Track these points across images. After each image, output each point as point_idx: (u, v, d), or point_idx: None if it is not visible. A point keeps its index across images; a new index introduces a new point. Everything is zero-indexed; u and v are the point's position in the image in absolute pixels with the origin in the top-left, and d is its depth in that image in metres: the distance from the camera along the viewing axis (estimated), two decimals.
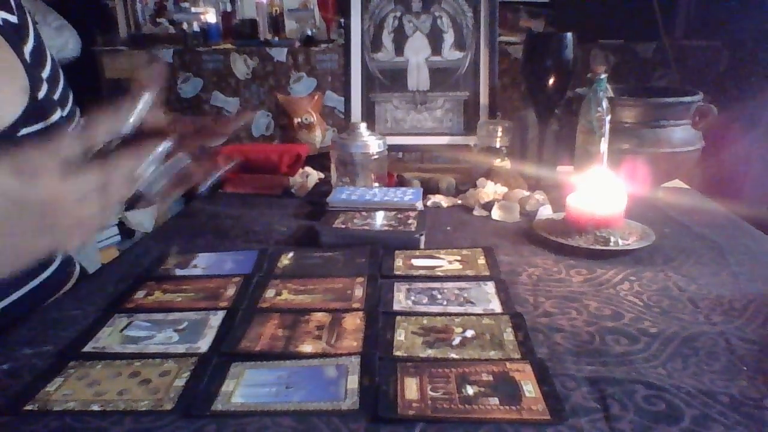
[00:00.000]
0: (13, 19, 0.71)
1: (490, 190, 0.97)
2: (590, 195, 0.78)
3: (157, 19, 2.88)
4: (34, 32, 0.74)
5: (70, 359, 0.53)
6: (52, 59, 0.77)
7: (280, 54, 2.50)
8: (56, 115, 0.70)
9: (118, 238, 2.44)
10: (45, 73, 0.73)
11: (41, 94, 0.68)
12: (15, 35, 0.70)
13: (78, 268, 0.81)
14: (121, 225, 2.41)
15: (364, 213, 0.86)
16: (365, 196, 0.91)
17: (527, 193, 0.94)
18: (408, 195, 0.91)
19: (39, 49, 0.74)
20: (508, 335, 0.55)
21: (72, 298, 0.66)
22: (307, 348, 0.54)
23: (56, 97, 0.74)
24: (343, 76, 1.17)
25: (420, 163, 1.23)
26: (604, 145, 0.87)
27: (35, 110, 0.66)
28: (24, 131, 0.64)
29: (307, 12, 2.72)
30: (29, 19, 0.74)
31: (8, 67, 0.67)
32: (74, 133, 0.54)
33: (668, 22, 2.40)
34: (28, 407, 0.46)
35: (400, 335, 0.56)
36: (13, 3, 0.72)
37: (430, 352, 0.53)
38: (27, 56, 0.70)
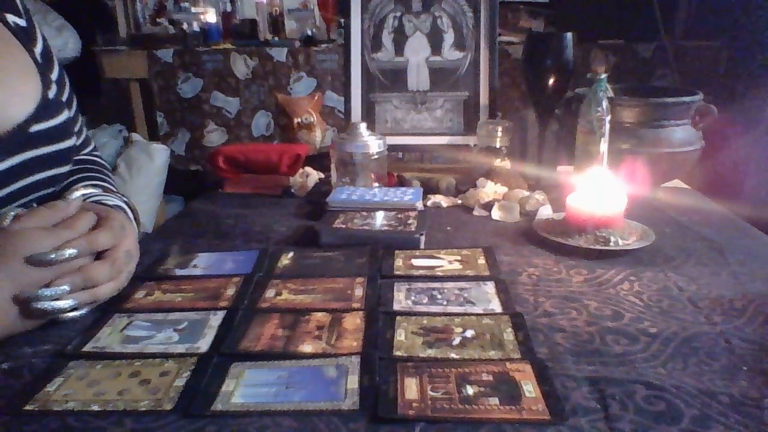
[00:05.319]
0: (23, 22, 0.74)
1: (490, 190, 0.97)
2: (590, 195, 0.78)
3: (157, 19, 2.88)
4: (41, 36, 0.76)
5: (70, 359, 0.53)
6: (58, 63, 0.78)
7: (280, 54, 2.50)
8: (64, 115, 0.71)
9: None
10: (54, 75, 0.75)
11: (51, 94, 0.71)
12: (26, 38, 0.72)
13: None
14: None
15: (364, 213, 0.86)
16: (365, 196, 0.91)
17: (527, 193, 0.94)
18: (408, 195, 0.91)
19: (48, 52, 0.76)
20: (508, 335, 0.55)
21: None
22: (307, 348, 0.54)
23: (64, 98, 0.76)
24: (343, 76, 1.17)
25: (420, 163, 1.23)
26: (604, 145, 0.87)
27: (46, 108, 0.68)
28: (35, 128, 0.66)
29: (307, 12, 2.72)
30: (35, 23, 0.76)
31: (22, 66, 0.69)
32: None
33: (668, 22, 2.40)
34: (28, 407, 0.46)
35: (400, 335, 0.56)
36: (21, 8, 0.74)
37: (430, 352, 0.53)
38: (38, 57, 0.72)
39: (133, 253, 0.65)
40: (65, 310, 0.57)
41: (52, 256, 0.55)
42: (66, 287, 0.56)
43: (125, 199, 0.75)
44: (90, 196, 0.70)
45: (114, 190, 0.77)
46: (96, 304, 0.61)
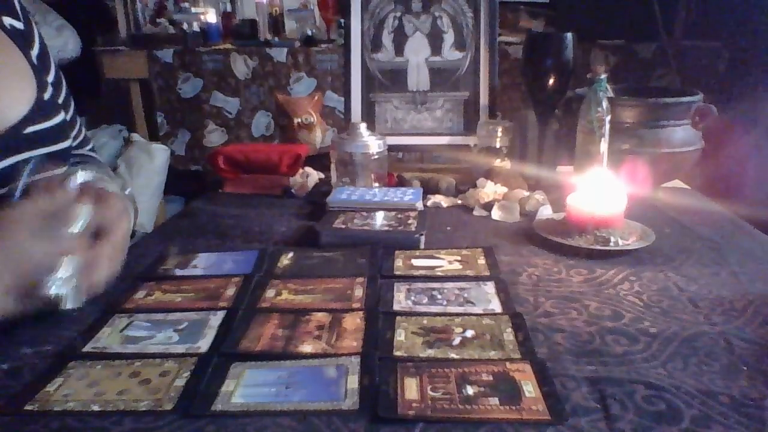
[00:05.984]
0: (20, 25, 0.74)
1: (490, 190, 0.97)
2: (590, 195, 0.78)
3: (157, 19, 2.88)
4: (39, 38, 0.76)
5: (70, 359, 0.53)
6: (56, 66, 0.78)
7: (280, 54, 2.50)
8: (59, 117, 0.71)
9: None
10: (50, 78, 0.75)
11: (46, 96, 0.71)
12: (23, 40, 0.72)
13: None
14: None
15: (364, 213, 0.86)
16: (365, 196, 0.91)
17: (527, 193, 0.94)
18: (408, 195, 0.91)
19: (44, 55, 0.76)
20: (508, 335, 0.55)
21: None
22: (307, 348, 0.54)
23: (60, 101, 0.76)
24: (343, 76, 1.17)
25: (420, 163, 1.23)
26: (604, 145, 0.87)
27: (41, 110, 0.68)
28: (30, 129, 0.66)
29: (307, 12, 2.72)
30: (34, 25, 0.77)
31: (17, 69, 0.69)
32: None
33: (668, 22, 2.40)
34: (28, 407, 0.46)
35: (400, 335, 0.56)
36: (19, 10, 0.75)
37: (430, 352, 0.53)
38: (34, 60, 0.72)
39: (127, 238, 0.65)
40: (62, 298, 0.57)
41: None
42: (67, 272, 0.55)
43: (123, 186, 0.74)
44: (89, 179, 0.69)
45: (112, 176, 0.77)
46: (93, 292, 0.60)
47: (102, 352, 0.54)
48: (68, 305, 0.57)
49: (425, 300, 0.63)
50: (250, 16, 2.78)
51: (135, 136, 2.45)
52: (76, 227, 0.56)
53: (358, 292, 0.65)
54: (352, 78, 1.15)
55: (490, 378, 0.49)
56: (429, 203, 0.96)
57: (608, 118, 0.86)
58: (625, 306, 0.62)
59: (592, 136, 0.87)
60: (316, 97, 1.27)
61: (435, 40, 1.14)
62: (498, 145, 1.04)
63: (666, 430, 0.43)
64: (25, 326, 0.59)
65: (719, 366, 0.51)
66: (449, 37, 1.14)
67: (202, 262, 0.74)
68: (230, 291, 0.65)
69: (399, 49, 1.14)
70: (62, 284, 0.55)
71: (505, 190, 0.98)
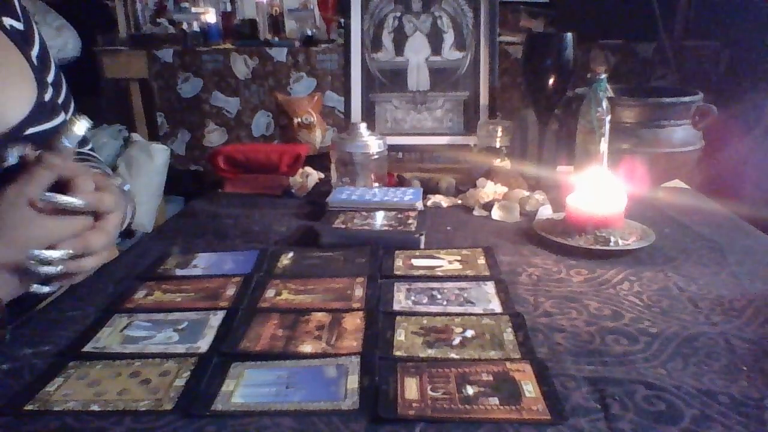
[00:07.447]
0: (20, 26, 0.74)
1: (490, 190, 0.97)
2: (590, 195, 0.78)
3: (157, 19, 2.88)
4: (39, 38, 0.76)
5: (70, 359, 0.53)
6: (56, 65, 0.78)
7: (280, 54, 2.50)
8: (60, 118, 0.71)
9: (118, 238, 2.44)
10: (50, 78, 0.75)
11: (47, 97, 0.71)
12: (23, 41, 0.72)
13: None
14: None
15: (364, 213, 0.86)
16: (365, 196, 0.91)
17: (527, 193, 0.94)
18: (408, 195, 0.91)
19: (44, 55, 0.76)
20: (508, 335, 0.55)
21: (72, 298, 0.66)
22: (307, 348, 0.54)
23: (60, 101, 0.76)
24: (343, 76, 1.17)
25: (420, 163, 1.23)
26: (604, 145, 0.87)
27: (41, 112, 0.68)
28: (30, 131, 0.66)
29: (307, 12, 2.72)
30: (34, 25, 0.77)
31: (18, 70, 0.69)
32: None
33: (668, 22, 2.40)
34: (28, 407, 0.46)
35: (400, 335, 0.56)
36: (19, 10, 0.75)
37: (430, 352, 0.53)
38: (34, 60, 0.72)
39: (116, 232, 0.64)
40: (53, 276, 0.57)
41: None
42: (64, 253, 0.56)
43: (121, 183, 0.74)
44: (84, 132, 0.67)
45: (111, 175, 0.77)
46: (77, 278, 0.61)
47: (102, 352, 0.54)
48: (45, 289, 0.58)
49: (425, 300, 0.63)
50: (250, 16, 2.78)
51: (135, 136, 2.45)
52: (76, 202, 0.56)
53: (358, 292, 0.65)
54: (352, 78, 1.15)
55: (490, 378, 0.49)
56: (429, 203, 0.96)
57: (608, 117, 0.86)
58: (625, 306, 0.62)
59: (592, 135, 0.87)
60: (316, 97, 1.27)
61: (435, 40, 1.14)
62: (498, 145, 1.04)
63: (666, 430, 0.43)
64: (25, 326, 0.59)
65: (719, 366, 0.51)
66: (449, 37, 1.14)
67: (202, 262, 0.74)
68: (230, 291, 0.65)
69: (399, 49, 1.14)
70: (50, 265, 0.55)
71: (505, 190, 0.98)
